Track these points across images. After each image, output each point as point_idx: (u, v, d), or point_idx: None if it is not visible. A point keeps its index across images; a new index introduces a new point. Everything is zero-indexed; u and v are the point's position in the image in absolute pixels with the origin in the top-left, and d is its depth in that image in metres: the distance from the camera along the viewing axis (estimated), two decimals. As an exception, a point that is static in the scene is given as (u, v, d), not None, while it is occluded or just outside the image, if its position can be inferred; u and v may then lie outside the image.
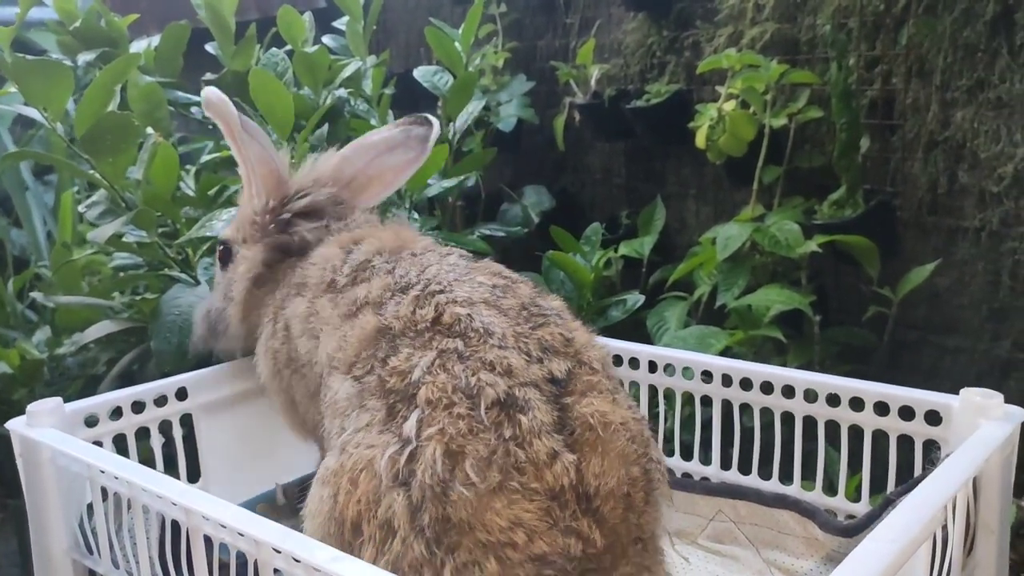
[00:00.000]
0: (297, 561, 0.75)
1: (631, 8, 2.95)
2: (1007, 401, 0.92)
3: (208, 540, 0.84)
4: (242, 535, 0.79)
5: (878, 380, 2.39)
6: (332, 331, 1.01)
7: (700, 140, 2.60)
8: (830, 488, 1.06)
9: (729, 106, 2.52)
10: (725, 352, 2.20)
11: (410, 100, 3.04)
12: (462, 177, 2.04)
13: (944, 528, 0.83)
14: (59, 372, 2.14)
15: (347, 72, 1.93)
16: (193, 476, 1.25)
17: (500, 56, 3.12)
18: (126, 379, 1.72)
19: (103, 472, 0.94)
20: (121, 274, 1.85)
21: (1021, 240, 2.31)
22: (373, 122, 2.21)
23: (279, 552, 0.77)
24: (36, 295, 1.73)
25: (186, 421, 1.21)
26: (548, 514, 0.81)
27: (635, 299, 2.00)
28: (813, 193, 2.57)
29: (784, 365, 2.39)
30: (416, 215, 2.04)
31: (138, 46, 2.01)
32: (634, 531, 0.87)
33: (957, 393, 0.96)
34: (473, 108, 2.22)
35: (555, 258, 1.99)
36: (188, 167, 2.15)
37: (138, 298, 1.73)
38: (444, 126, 2.28)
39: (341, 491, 0.83)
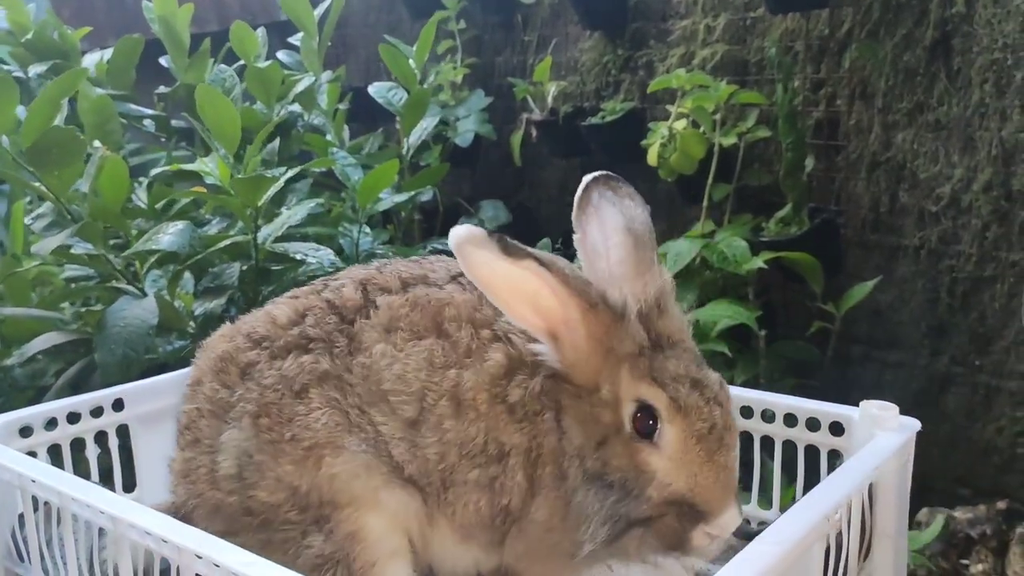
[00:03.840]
0: (217, 566, 0.78)
1: (587, 27, 3.01)
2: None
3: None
4: (165, 541, 0.82)
5: (822, 394, 2.44)
6: None
7: (652, 158, 2.65)
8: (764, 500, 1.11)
9: (680, 125, 2.57)
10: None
11: (368, 115, 3.08)
12: (414, 192, 2.07)
13: (840, 533, 0.87)
14: (7, 383, 2.13)
15: (300, 87, 1.95)
16: (129, 487, 1.26)
17: (459, 72, 3.16)
18: (73, 389, 1.72)
19: (33, 481, 0.96)
20: (72, 285, 1.86)
21: (958, 258, 2.38)
22: (329, 137, 2.24)
23: (200, 557, 0.79)
24: (-6, 308, 1.73)
25: (123, 432, 1.23)
26: None
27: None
28: (762, 210, 2.63)
29: (731, 379, 2.44)
30: (368, 229, 2.07)
31: (91, 58, 2.03)
32: None
33: (899, 405, 0.99)
34: (427, 124, 2.25)
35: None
36: (141, 179, 2.17)
37: (84, 310, 1.74)
38: (399, 141, 2.32)
39: None
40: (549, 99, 2.98)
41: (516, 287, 0.91)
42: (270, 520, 0.98)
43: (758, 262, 2.39)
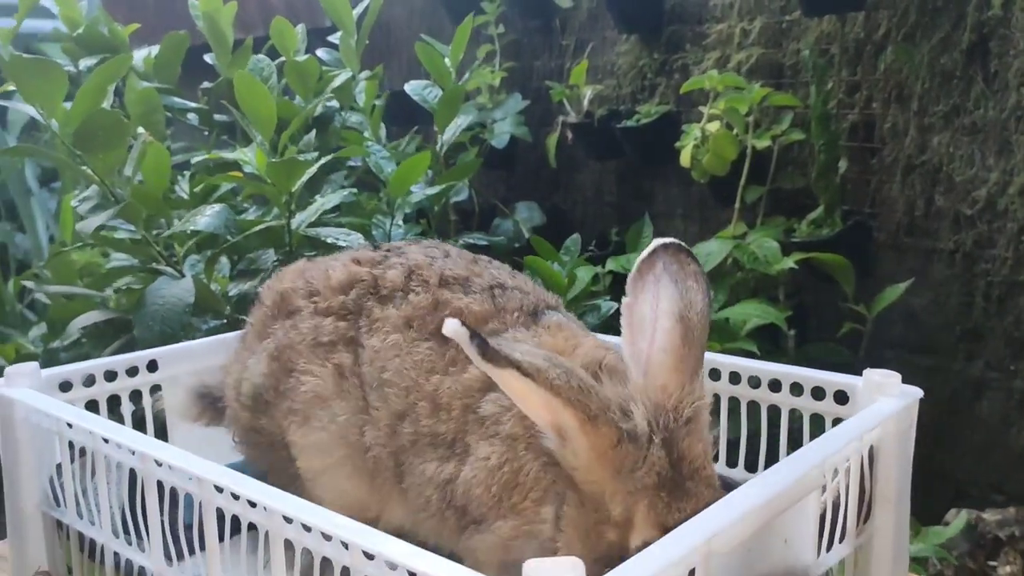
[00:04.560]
0: (236, 498, 0.82)
1: (623, 31, 3.04)
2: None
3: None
4: (188, 476, 0.87)
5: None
6: None
7: (685, 159, 2.67)
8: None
9: (713, 126, 2.59)
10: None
11: (407, 117, 3.14)
12: (446, 185, 2.12)
13: (843, 493, 0.89)
14: (54, 363, 2.21)
15: (337, 82, 2.01)
16: (162, 443, 1.32)
17: (497, 75, 3.21)
18: (113, 366, 1.79)
19: (69, 426, 1.01)
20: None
21: (994, 262, 2.36)
22: (366, 134, 2.30)
23: (220, 491, 0.84)
24: (27, 283, 1.80)
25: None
26: None
27: (608, 306, 2.07)
28: (795, 213, 2.63)
29: (760, 379, 2.45)
30: (400, 222, 2.11)
31: (139, 54, 2.11)
32: None
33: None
34: (462, 121, 2.30)
35: (531, 263, 2.06)
36: (185, 172, 2.24)
37: (125, 287, 1.81)
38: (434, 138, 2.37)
39: None
40: (585, 102, 3.01)
41: (515, 387, 0.84)
42: (273, 444, 1.03)
43: (789, 262, 2.39)
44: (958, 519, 1.70)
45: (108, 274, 1.85)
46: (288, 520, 0.78)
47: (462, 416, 0.98)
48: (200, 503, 0.87)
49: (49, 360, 2.21)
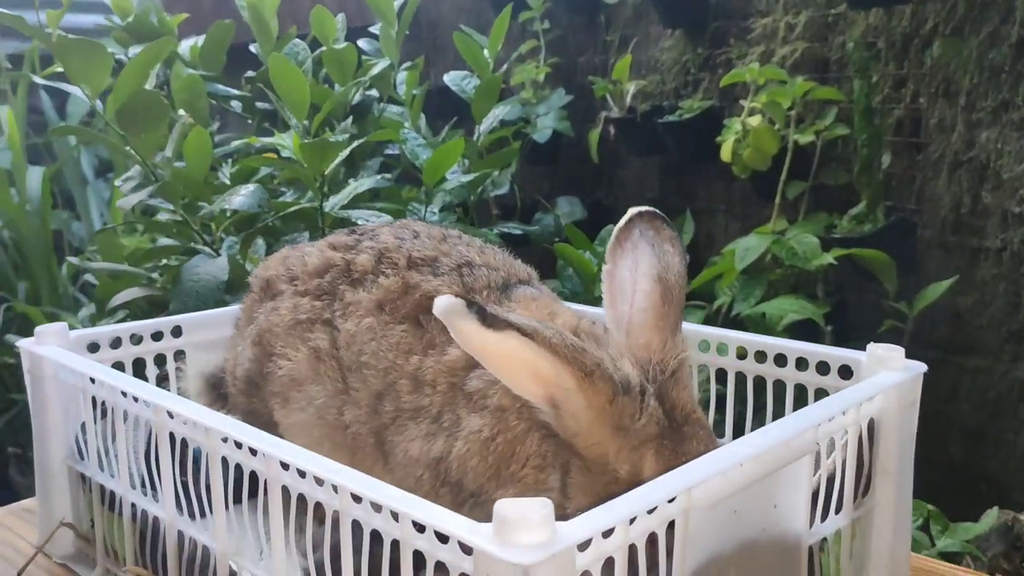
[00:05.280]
0: (239, 446, 0.85)
1: (668, 26, 3.04)
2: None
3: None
4: (195, 425, 0.90)
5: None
6: None
7: (725, 153, 2.66)
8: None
9: (754, 120, 2.58)
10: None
11: (452, 112, 3.18)
12: (480, 173, 2.14)
13: (838, 464, 0.88)
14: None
15: (375, 70, 2.05)
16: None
17: (541, 71, 3.23)
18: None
19: (92, 381, 1.05)
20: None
21: (1042, 261, 2.31)
22: (406, 124, 2.33)
23: (225, 441, 0.87)
24: (73, 259, 1.87)
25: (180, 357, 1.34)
26: None
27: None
28: (838, 209, 2.60)
29: (797, 375, 2.43)
30: (435, 210, 2.14)
31: (187, 43, 2.17)
32: None
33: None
34: (500, 111, 2.32)
35: (561, 250, 2.07)
36: (229, 159, 2.30)
37: (163, 263, 1.86)
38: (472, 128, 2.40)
39: None
40: (628, 97, 3.01)
41: (512, 355, 0.85)
42: (268, 426, 1.05)
43: (828, 258, 2.37)
44: (988, 516, 1.66)
45: (149, 253, 1.91)
46: (285, 466, 0.81)
47: (449, 392, 0.98)
48: (207, 454, 0.90)
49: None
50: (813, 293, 2.53)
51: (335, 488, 0.76)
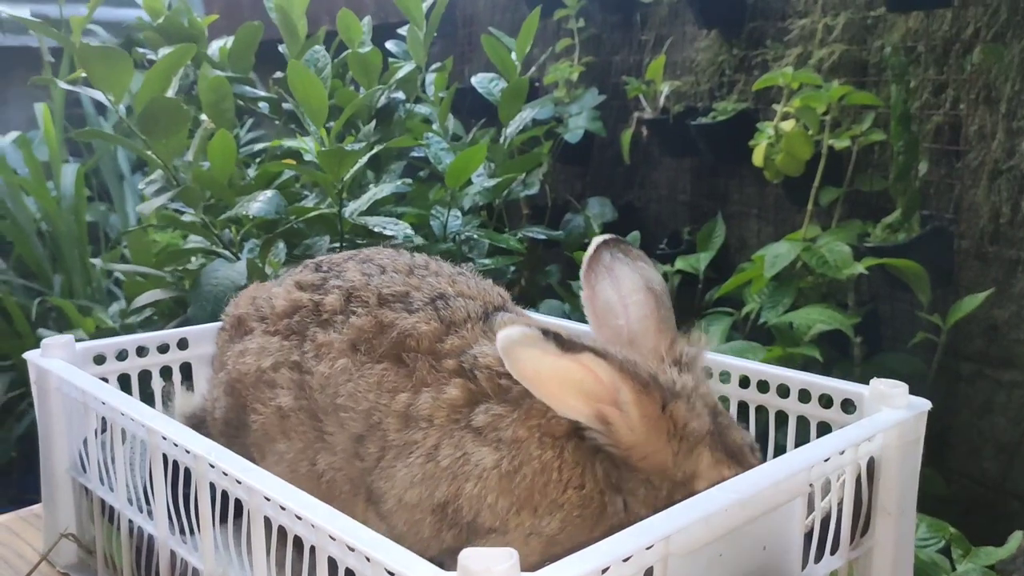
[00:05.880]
0: (225, 474, 0.86)
1: (704, 26, 2.99)
2: None
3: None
4: (187, 451, 0.91)
5: (929, 411, 2.36)
6: None
7: (758, 158, 2.61)
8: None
9: (788, 125, 2.53)
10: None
11: (485, 111, 3.17)
12: (504, 177, 2.13)
13: (834, 504, 0.86)
14: (129, 339, 2.33)
15: (400, 73, 2.05)
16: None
17: (575, 70, 3.20)
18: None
19: (95, 397, 1.07)
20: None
21: (1083, 274, 2.24)
22: (435, 127, 2.32)
23: (212, 467, 0.87)
24: (95, 261, 1.90)
25: (186, 370, 1.35)
26: None
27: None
28: (874, 217, 2.54)
29: (825, 386, 2.38)
30: (459, 212, 2.14)
31: (216, 44, 2.18)
32: None
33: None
34: (527, 115, 2.30)
35: (579, 257, 2.05)
36: (257, 159, 2.32)
37: (183, 268, 1.88)
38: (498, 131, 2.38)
39: None
40: (661, 98, 2.98)
41: (564, 378, 0.88)
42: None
43: (859, 268, 2.32)
44: (1013, 540, 1.62)
45: (172, 255, 1.93)
46: (268, 499, 0.81)
47: (448, 425, 0.97)
48: (195, 478, 0.90)
49: (125, 334, 2.32)
50: (844, 302, 2.48)
51: (312, 525, 0.76)
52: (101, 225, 3.16)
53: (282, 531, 0.81)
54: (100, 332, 2.25)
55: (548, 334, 0.85)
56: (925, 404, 0.93)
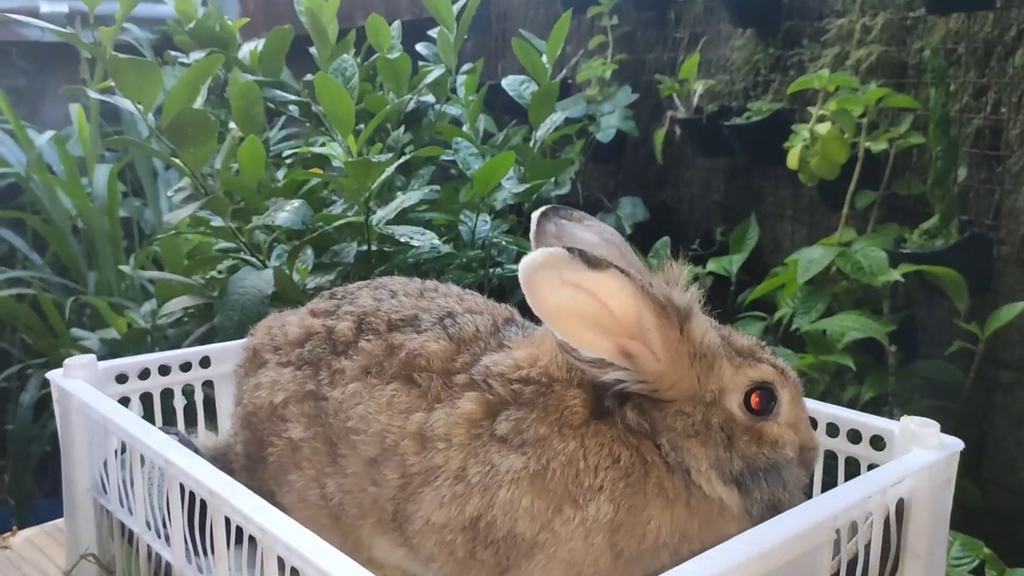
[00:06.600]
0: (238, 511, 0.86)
1: (739, 25, 2.94)
2: None
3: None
4: (202, 485, 0.91)
5: (962, 418, 2.31)
6: None
7: (792, 160, 2.57)
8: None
9: (823, 128, 2.48)
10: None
11: (520, 110, 3.15)
12: (533, 184, 2.11)
13: (861, 547, 0.84)
14: (161, 338, 2.35)
15: (430, 78, 2.03)
16: (212, 437, 1.38)
17: (608, 68, 3.17)
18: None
19: (115, 423, 1.07)
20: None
21: None
22: (465, 128, 2.31)
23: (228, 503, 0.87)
24: (123, 268, 1.91)
25: (208, 387, 1.35)
26: None
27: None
28: (910, 222, 2.49)
29: (858, 395, 2.34)
30: (487, 218, 2.12)
31: (247, 48, 2.19)
32: None
33: None
34: (557, 117, 2.28)
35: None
36: (288, 161, 2.32)
37: (211, 276, 1.89)
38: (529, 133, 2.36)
39: None
40: (695, 98, 2.94)
41: (581, 312, 0.88)
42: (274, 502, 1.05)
43: (895, 275, 2.27)
44: (1047, 567, 1.58)
45: (201, 261, 1.94)
46: (278, 540, 0.81)
47: (470, 442, 0.96)
48: (210, 512, 0.90)
49: (157, 334, 2.34)
50: (879, 308, 2.43)
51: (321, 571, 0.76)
52: (135, 220, 3.20)
53: (294, 572, 0.81)
54: (132, 332, 2.27)
55: (573, 251, 0.86)
56: (957, 444, 0.91)
